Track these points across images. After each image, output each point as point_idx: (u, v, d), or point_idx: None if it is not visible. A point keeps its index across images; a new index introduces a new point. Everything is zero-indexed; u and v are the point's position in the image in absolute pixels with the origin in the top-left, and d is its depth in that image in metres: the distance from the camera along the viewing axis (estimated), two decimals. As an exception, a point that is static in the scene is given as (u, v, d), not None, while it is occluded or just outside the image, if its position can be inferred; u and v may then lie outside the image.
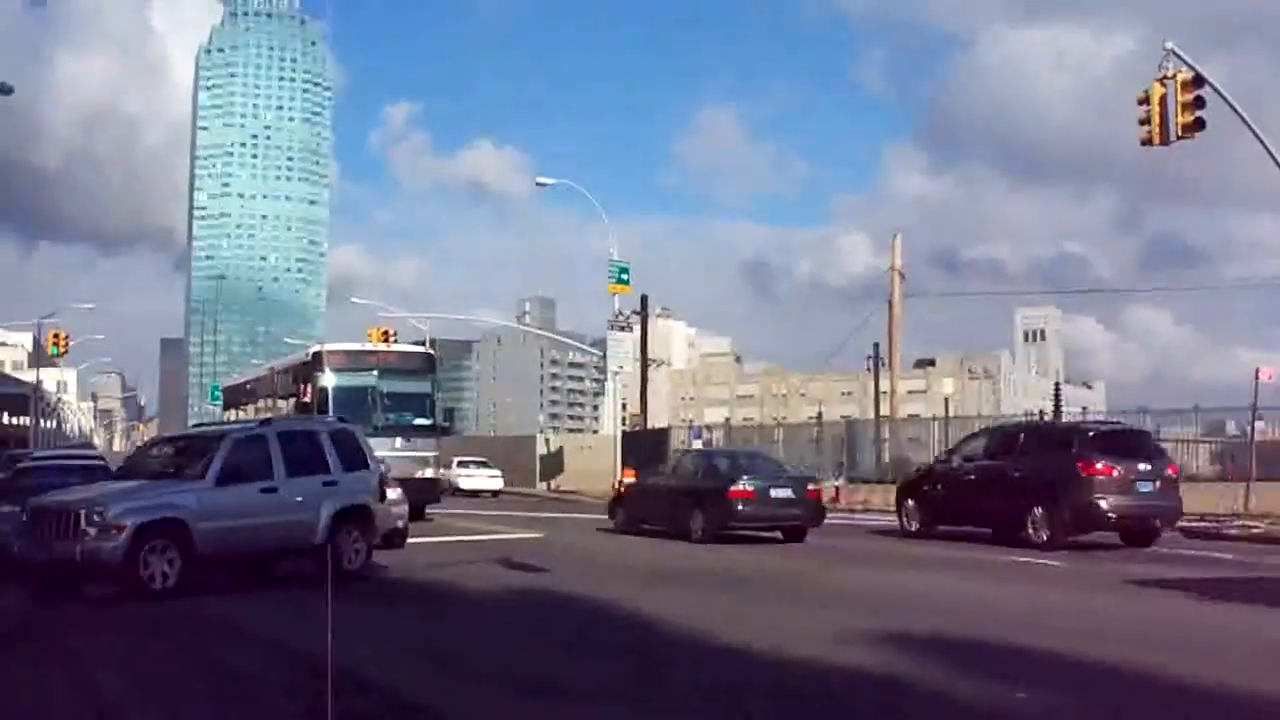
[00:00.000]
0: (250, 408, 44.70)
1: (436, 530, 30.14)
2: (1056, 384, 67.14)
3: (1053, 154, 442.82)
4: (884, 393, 56.79)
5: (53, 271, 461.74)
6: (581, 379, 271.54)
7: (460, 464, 57.11)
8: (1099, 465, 25.23)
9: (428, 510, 33.60)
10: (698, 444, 52.04)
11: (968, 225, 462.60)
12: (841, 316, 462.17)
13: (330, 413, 31.59)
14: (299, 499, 19.19)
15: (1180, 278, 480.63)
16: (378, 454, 28.90)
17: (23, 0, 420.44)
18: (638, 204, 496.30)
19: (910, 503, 29.73)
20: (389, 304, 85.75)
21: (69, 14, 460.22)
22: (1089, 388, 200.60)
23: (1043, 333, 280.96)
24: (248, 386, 47.59)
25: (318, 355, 35.14)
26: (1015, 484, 26.20)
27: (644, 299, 53.39)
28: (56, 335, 78.05)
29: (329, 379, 33.83)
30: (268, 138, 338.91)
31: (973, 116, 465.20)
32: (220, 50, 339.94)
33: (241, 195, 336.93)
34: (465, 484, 55.55)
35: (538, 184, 59.53)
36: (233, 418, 47.92)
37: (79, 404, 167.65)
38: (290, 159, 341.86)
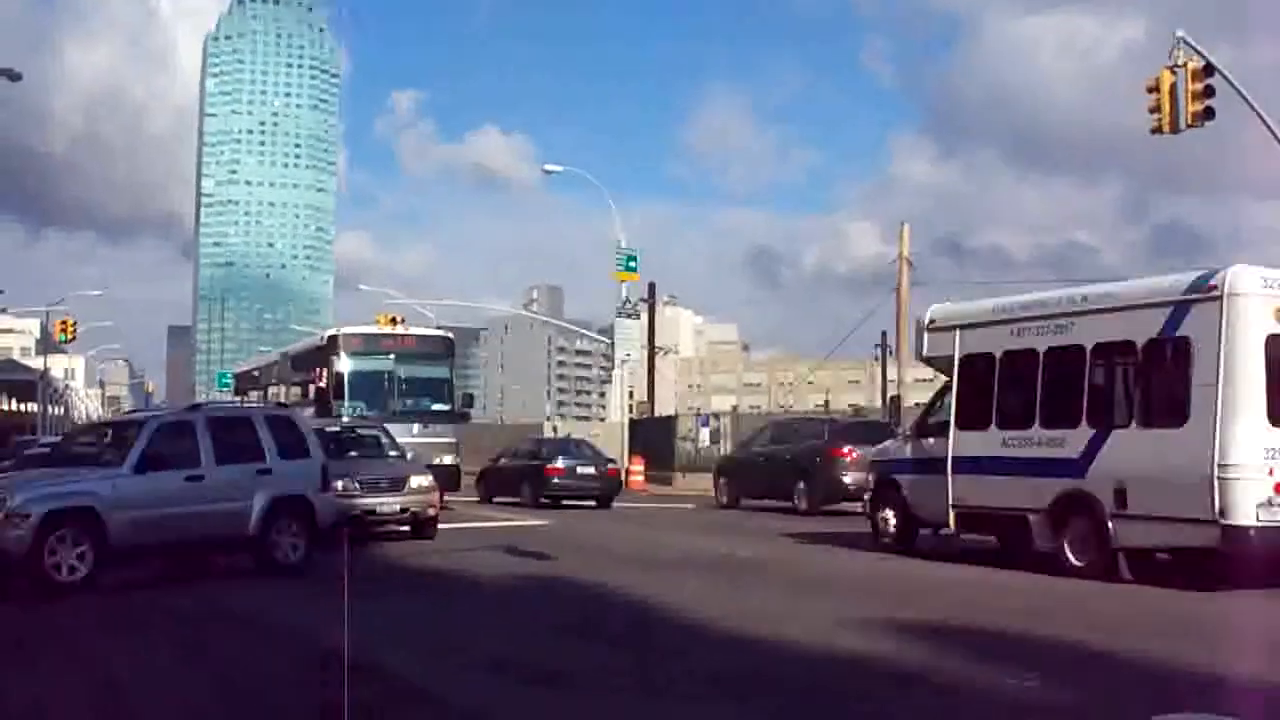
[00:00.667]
0: (262, 393, 43.96)
1: (451, 518, 29.91)
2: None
3: (1060, 141, 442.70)
4: (891, 381, 56.72)
5: (61, 258, 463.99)
6: (589, 366, 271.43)
7: None
8: (844, 449, 31.55)
9: (446, 497, 32.65)
10: (705, 431, 52.01)
11: (975, 213, 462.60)
12: (848, 304, 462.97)
13: (346, 398, 31.87)
14: (228, 488, 18.16)
15: (1188, 266, 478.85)
16: (398, 439, 28.48)
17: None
18: (645, 191, 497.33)
19: (721, 480, 36.77)
20: (396, 291, 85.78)
21: (77, 1, 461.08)
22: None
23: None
24: (259, 372, 46.74)
25: (333, 339, 34.08)
26: (786, 464, 33.30)
27: (651, 286, 53.44)
28: (64, 322, 78.32)
29: (345, 363, 32.85)
30: (275, 125, 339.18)
31: (980, 104, 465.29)
32: (228, 37, 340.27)
33: (249, 182, 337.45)
34: None
35: (545, 171, 59.76)
36: (244, 404, 48.01)
37: (86, 391, 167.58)
38: (298, 146, 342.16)
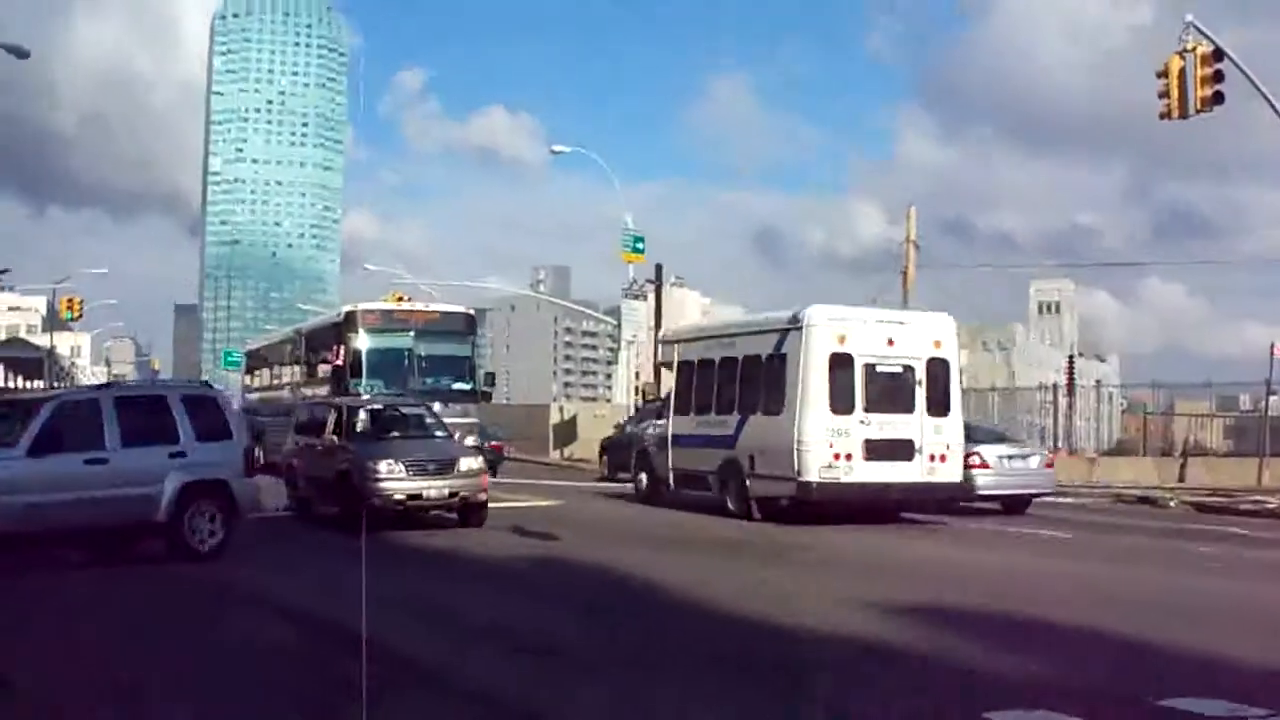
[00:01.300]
0: (274, 371, 43.86)
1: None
2: (1070, 357, 66.92)
3: (1067, 124, 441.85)
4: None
5: (66, 236, 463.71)
6: (595, 348, 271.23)
7: None
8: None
9: None
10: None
11: (982, 194, 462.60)
12: (854, 285, 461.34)
13: (364, 376, 31.14)
14: (135, 472, 17.09)
15: (1195, 251, 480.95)
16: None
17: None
18: (651, 171, 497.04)
19: (604, 457, 40.39)
20: (403, 270, 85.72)
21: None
22: (1103, 360, 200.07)
23: (1056, 305, 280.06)
24: (271, 349, 46.01)
25: (350, 315, 32.93)
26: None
27: (658, 268, 53.23)
28: (70, 300, 78.50)
29: (362, 340, 32.00)
30: (282, 103, 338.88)
31: (987, 85, 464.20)
32: (235, 15, 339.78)
33: (256, 161, 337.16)
34: None
35: (552, 152, 59.62)
36: (253, 382, 48.17)
37: (92, 368, 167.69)
38: (305, 125, 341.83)
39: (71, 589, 15.36)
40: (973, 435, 26.19)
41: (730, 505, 24.53)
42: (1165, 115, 28.13)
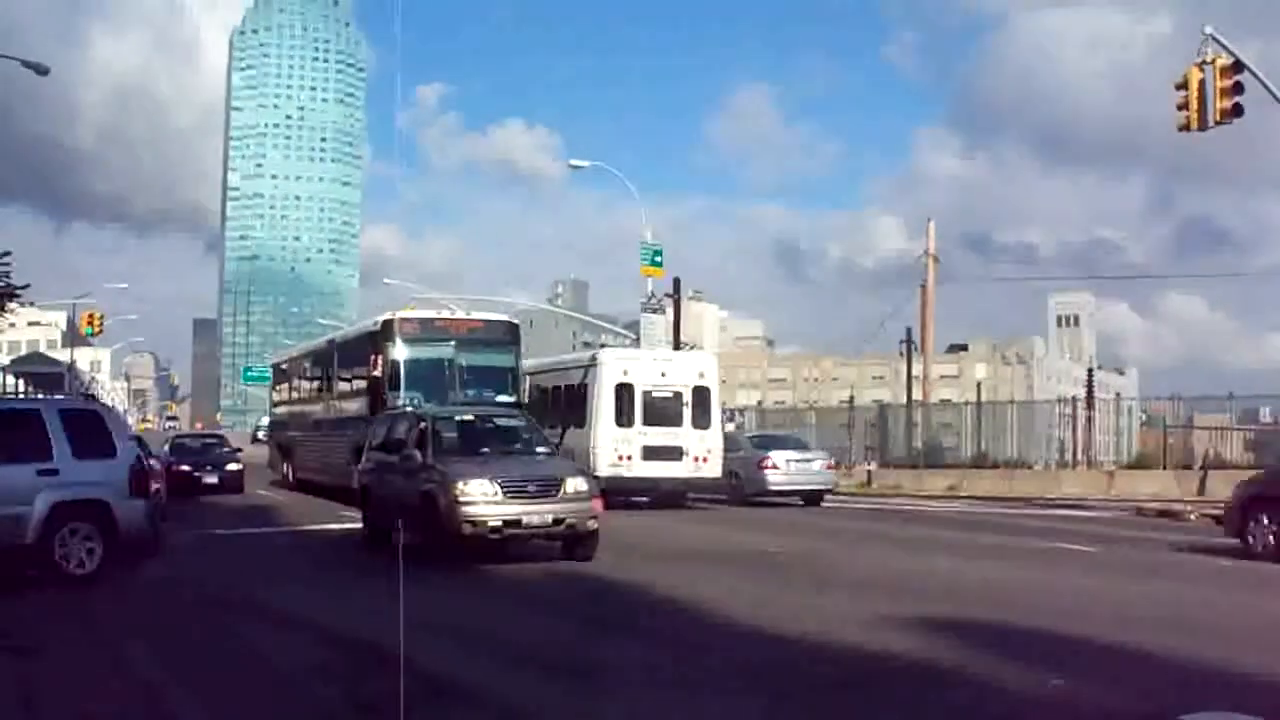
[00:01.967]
0: (304, 384, 42.26)
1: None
2: (1089, 370, 66.84)
3: (1087, 137, 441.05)
4: (916, 377, 56.59)
5: (87, 252, 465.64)
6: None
7: None
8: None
9: None
10: (730, 427, 52.01)
11: (1001, 208, 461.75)
12: (874, 300, 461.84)
13: (402, 388, 29.55)
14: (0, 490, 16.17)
15: (1215, 263, 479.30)
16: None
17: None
18: (670, 185, 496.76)
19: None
20: (421, 285, 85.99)
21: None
22: (1121, 373, 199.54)
23: (1076, 318, 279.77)
24: (301, 361, 43.93)
25: (388, 324, 31.06)
26: None
27: (677, 282, 53.24)
28: (90, 315, 78.72)
29: (401, 350, 30.36)
30: (301, 119, 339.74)
31: (1006, 99, 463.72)
32: (254, 31, 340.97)
33: (275, 176, 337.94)
34: None
35: (570, 167, 59.45)
36: (281, 396, 46.16)
37: (112, 384, 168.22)
38: (323, 140, 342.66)
39: None
40: (767, 444, 36.53)
41: None
42: (1184, 127, 28.09)
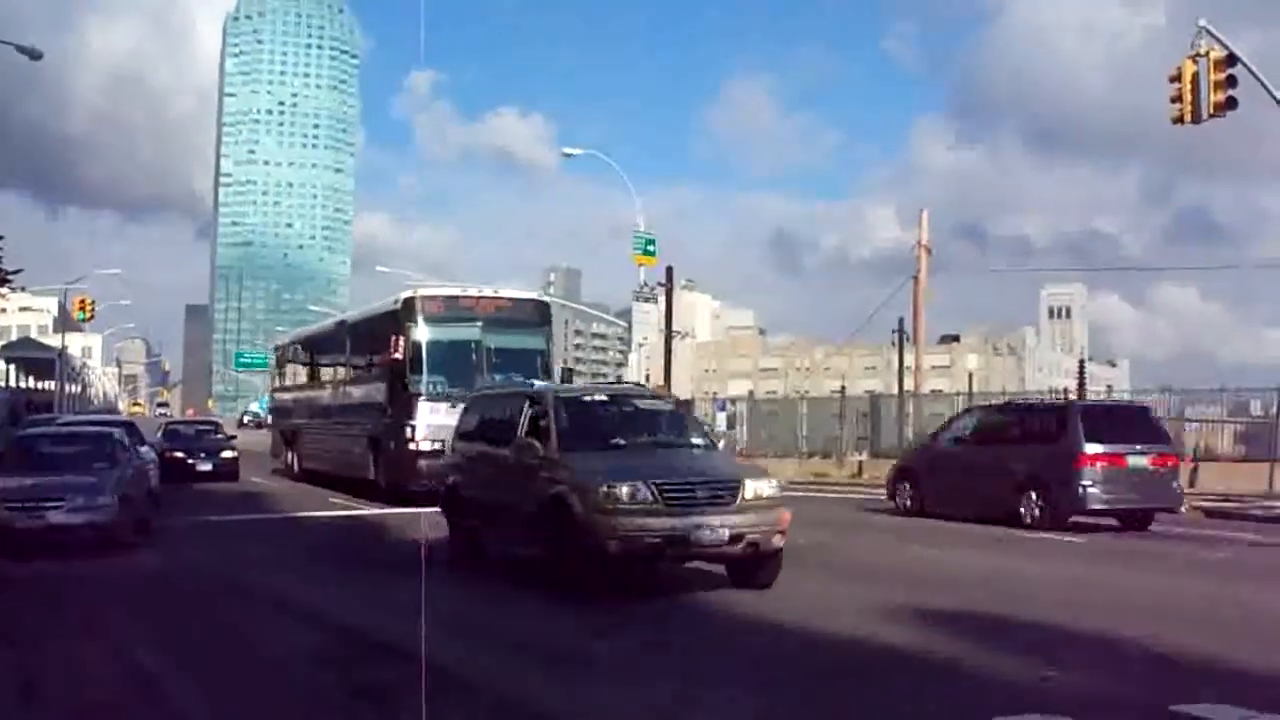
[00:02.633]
0: (312, 368, 40.24)
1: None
2: (1080, 361, 66.82)
3: (1082, 128, 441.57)
4: (908, 368, 56.54)
5: (79, 237, 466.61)
6: (605, 350, 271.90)
7: None
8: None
9: None
10: (722, 416, 52.05)
11: (996, 199, 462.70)
12: (867, 290, 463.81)
13: (424, 372, 27.78)
14: None
15: (1208, 255, 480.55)
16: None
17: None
18: (664, 174, 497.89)
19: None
20: (414, 272, 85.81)
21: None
22: (1113, 365, 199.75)
23: (1068, 310, 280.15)
24: (309, 343, 41.75)
25: (409, 302, 28.81)
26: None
27: (669, 270, 53.18)
28: (83, 301, 78.57)
29: (423, 331, 28.16)
30: (294, 105, 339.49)
31: (1003, 90, 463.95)
32: (248, 17, 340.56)
33: (267, 163, 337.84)
34: None
35: (564, 154, 59.44)
36: (284, 381, 43.92)
37: (104, 369, 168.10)
38: (317, 126, 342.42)
39: None
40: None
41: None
42: (1178, 120, 28.13)
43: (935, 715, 8.93)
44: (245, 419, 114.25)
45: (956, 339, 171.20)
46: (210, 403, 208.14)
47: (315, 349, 40.18)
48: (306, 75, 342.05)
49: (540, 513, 15.03)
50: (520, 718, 9.05)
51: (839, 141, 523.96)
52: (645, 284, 52.24)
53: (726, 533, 13.97)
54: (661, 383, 60.15)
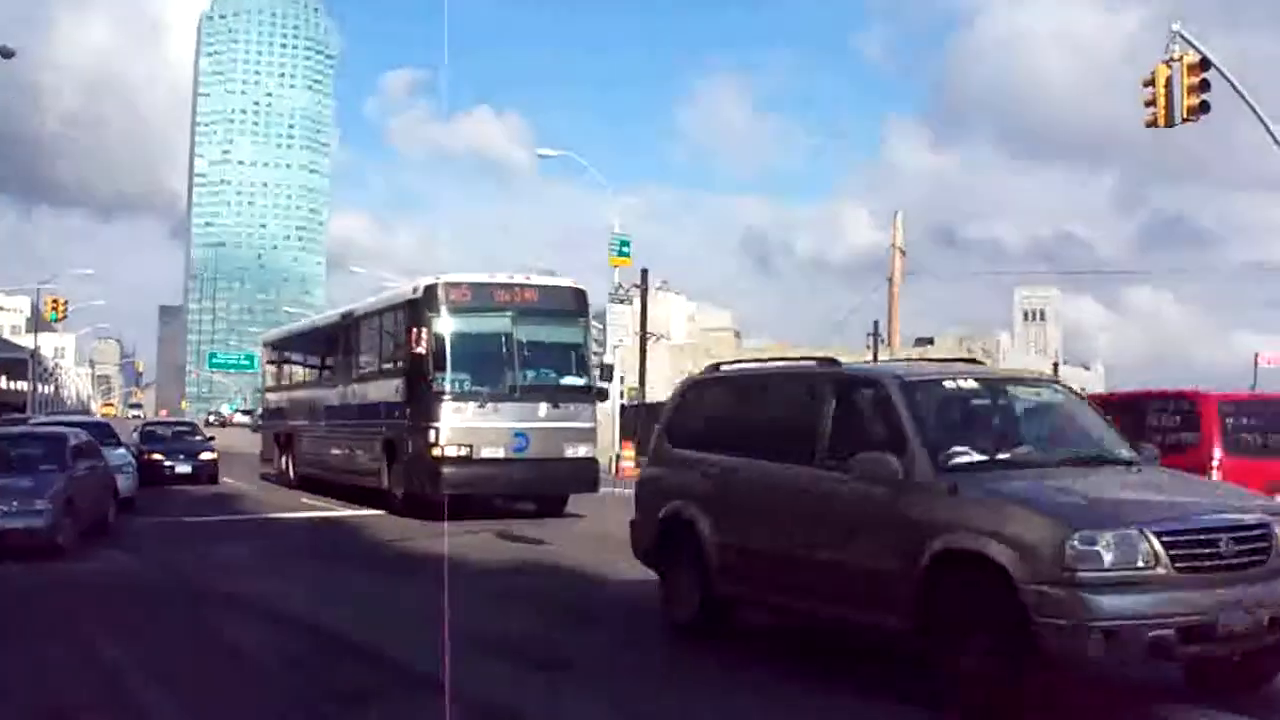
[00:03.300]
0: (309, 365, 36.63)
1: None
2: (1055, 364, 66.81)
3: (1057, 132, 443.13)
4: (882, 370, 56.71)
5: (52, 237, 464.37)
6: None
7: None
8: None
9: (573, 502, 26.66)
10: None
11: (970, 202, 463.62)
12: (843, 292, 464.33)
13: (448, 369, 24.50)
14: None
15: (1182, 260, 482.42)
16: (515, 424, 24.19)
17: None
18: (640, 176, 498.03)
19: None
20: (389, 273, 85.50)
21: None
22: (1087, 369, 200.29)
23: (1042, 313, 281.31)
24: (306, 338, 37.95)
25: (431, 290, 25.39)
26: None
27: (644, 272, 53.30)
28: (55, 300, 78.17)
29: (446, 323, 24.89)
30: (269, 105, 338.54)
31: (978, 93, 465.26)
32: (221, 16, 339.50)
33: (242, 162, 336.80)
34: None
35: (539, 156, 59.58)
36: (276, 381, 40.30)
37: (77, 369, 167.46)
38: (291, 126, 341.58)
39: None
40: None
41: None
42: (1152, 124, 28.26)
43: None
44: (210, 418, 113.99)
45: (931, 341, 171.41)
46: (184, 403, 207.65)
47: (315, 344, 36.28)
48: (281, 75, 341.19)
49: (905, 578, 9.18)
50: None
51: (814, 144, 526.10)
52: (620, 285, 52.22)
53: (1266, 615, 8.42)
54: (636, 384, 60.26)
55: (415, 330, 24.87)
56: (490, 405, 24.30)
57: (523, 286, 26.36)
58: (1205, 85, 27.80)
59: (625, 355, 56.51)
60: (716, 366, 13.02)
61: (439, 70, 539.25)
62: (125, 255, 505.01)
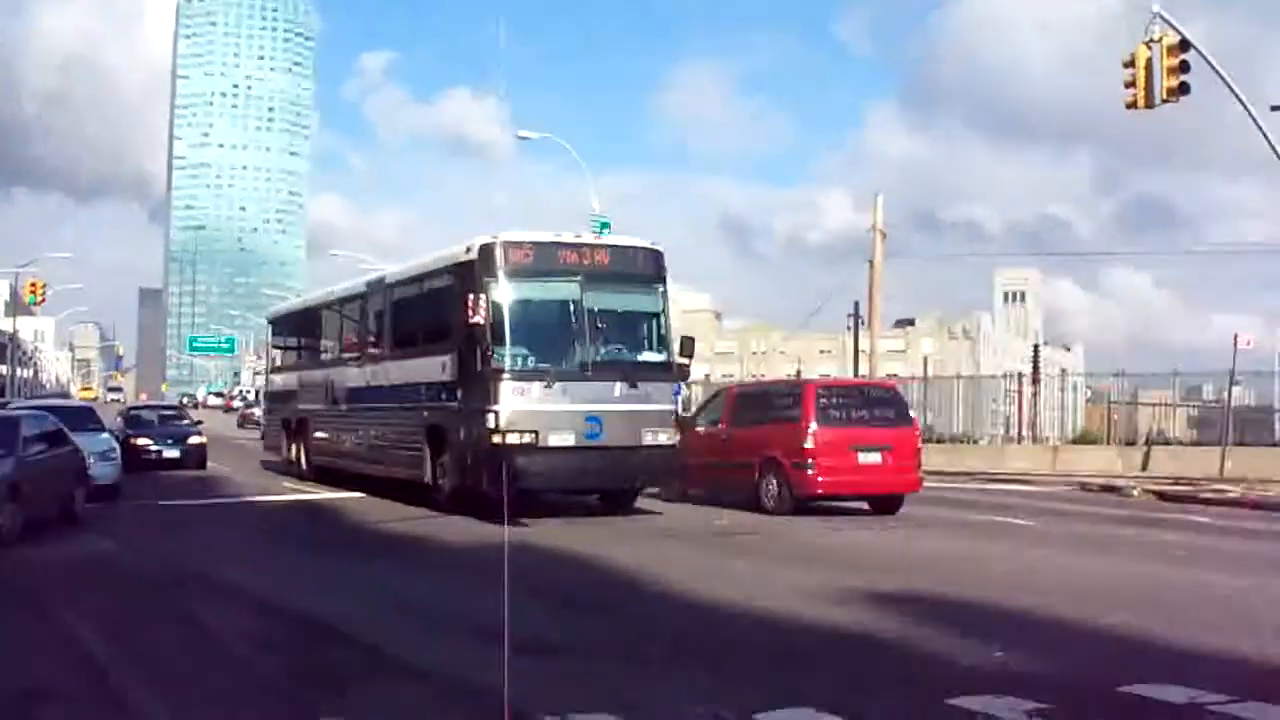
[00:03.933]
0: (329, 341, 32.16)
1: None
2: (1035, 346, 67.14)
3: (1036, 114, 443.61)
4: (863, 352, 56.67)
5: (30, 220, 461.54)
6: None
7: None
8: None
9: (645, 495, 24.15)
10: (677, 399, 52.05)
11: (950, 185, 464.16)
12: (822, 274, 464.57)
13: (508, 343, 21.07)
14: None
15: (1161, 241, 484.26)
16: (587, 406, 21.12)
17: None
18: (619, 158, 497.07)
19: None
20: (369, 256, 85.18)
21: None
22: (1068, 350, 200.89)
23: (1022, 294, 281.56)
24: (324, 310, 32.81)
25: (487, 251, 21.68)
26: None
27: (625, 255, 53.04)
28: (34, 284, 77.83)
29: (505, 289, 21.34)
30: (248, 88, 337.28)
31: (956, 75, 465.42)
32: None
33: (221, 145, 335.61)
34: None
35: (519, 138, 59.09)
36: (288, 359, 36.59)
37: (56, 353, 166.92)
38: (271, 109, 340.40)
39: None
40: None
41: None
42: (1132, 105, 28.34)
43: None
44: (183, 401, 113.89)
45: (912, 323, 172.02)
46: (164, 386, 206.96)
47: (334, 317, 31.70)
48: (261, 58, 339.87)
49: None
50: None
51: (793, 127, 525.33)
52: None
53: None
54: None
55: (469, 297, 20.90)
56: (558, 385, 21.09)
57: (593, 247, 22.94)
58: (1185, 66, 27.88)
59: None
60: None
61: (419, 53, 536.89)
62: (104, 238, 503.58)
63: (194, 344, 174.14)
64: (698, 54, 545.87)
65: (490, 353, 20.67)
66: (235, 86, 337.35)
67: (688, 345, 22.96)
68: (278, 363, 37.55)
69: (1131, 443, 40.27)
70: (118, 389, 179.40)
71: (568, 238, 22.88)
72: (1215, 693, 8.42)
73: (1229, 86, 28.56)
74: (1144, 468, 35.74)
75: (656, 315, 23.03)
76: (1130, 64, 28.25)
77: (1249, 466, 32.84)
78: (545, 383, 20.98)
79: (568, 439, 20.88)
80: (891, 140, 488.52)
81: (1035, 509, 25.05)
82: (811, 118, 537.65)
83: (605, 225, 50.51)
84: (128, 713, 8.64)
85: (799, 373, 62.98)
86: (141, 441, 34.46)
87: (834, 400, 24.08)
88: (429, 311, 24.71)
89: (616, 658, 10.35)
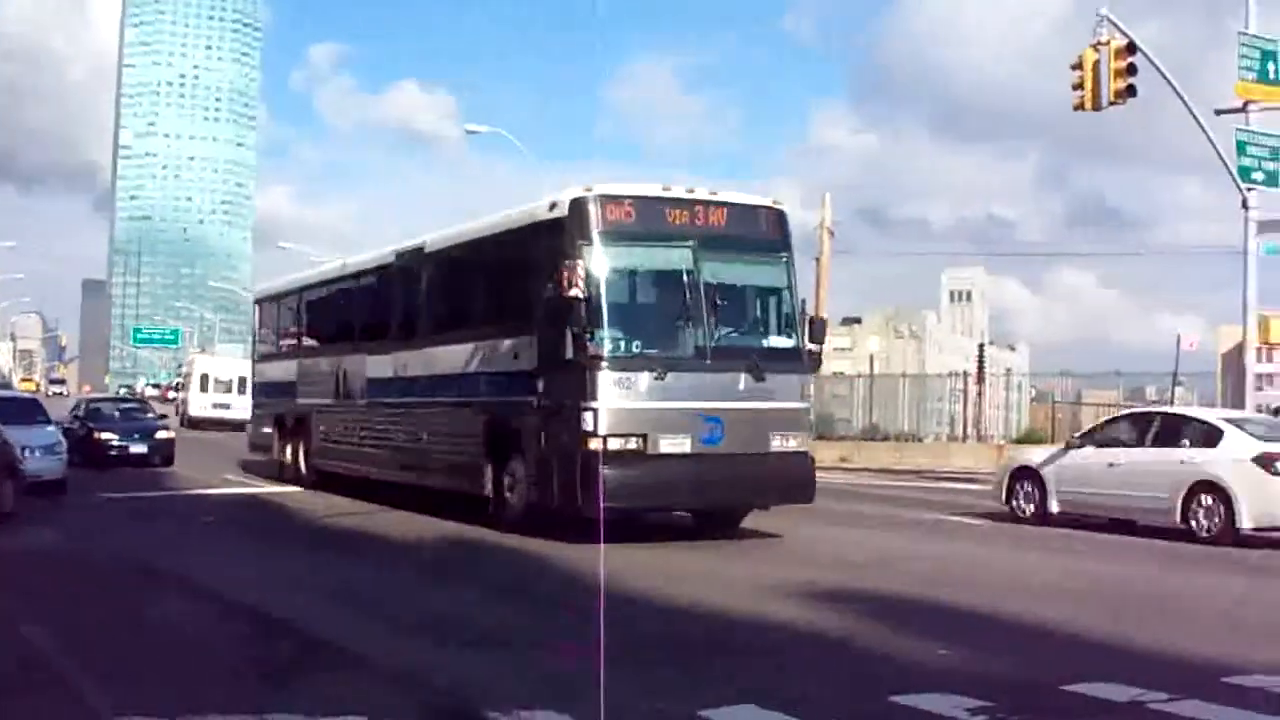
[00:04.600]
0: (345, 322, 27.14)
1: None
2: (980, 345, 67.58)
3: (984, 113, 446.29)
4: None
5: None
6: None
7: None
8: None
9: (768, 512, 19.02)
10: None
11: (898, 182, 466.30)
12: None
13: (605, 322, 16.80)
14: None
15: (1107, 241, 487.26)
16: (706, 404, 17.10)
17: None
18: (570, 152, 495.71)
19: None
20: (317, 249, 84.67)
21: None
22: (1013, 349, 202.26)
23: (968, 293, 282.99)
24: (335, 286, 28.06)
25: (579, 207, 17.32)
26: None
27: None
28: (-25, 273, 77.06)
29: (602, 256, 17.11)
30: (196, 78, 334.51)
31: (905, 73, 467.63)
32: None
33: (168, 135, 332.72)
34: None
35: (467, 131, 58.97)
36: (285, 344, 30.82)
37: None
38: (218, 100, 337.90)
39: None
40: None
41: None
42: (1079, 107, 28.56)
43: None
44: (120, 391, 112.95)
45: (859, 321, 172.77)
46: (108, 378, 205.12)
47: (347, 295, 27.15)
48: (208, 47, 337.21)
49: None
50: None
51: (742, 122, 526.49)
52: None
53: None
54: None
55: (558, 266, 16.81)
56: (671, 376, 16.96)
57: (708, 204, 18.16)
58: (1132, 69, 28.11)
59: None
60: None
61: (367, 45, 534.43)
62: (48, 228, 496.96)
63: (138, 335, 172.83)
64: (647, 47, 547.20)
65: (584, 335, 16.55)
66: (182, 76, 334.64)
67: (819, 329, 19.01)
68: (270, 349, 31.91)
69: (1075, 442, 40.57)
70: (60, 381, 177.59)
71: (678, 191, 18.22)
72: (1157, 690, 8.49)
73: (1174, 90, 28.78)
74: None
75: (782, 290, 18.78)
76: (1078, 66, 28.45)
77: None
78: (656, 373, 16.85)
79: (682, 444, 16.91)
80: (840, 137, 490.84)
81: (983, 508, 25.14)
82: (761, 113, 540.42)
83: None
84: (72, 701, 8.52)
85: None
86: (105, 436, 33.05)
87: None
88: (492, 285, 20.58)
89: None
